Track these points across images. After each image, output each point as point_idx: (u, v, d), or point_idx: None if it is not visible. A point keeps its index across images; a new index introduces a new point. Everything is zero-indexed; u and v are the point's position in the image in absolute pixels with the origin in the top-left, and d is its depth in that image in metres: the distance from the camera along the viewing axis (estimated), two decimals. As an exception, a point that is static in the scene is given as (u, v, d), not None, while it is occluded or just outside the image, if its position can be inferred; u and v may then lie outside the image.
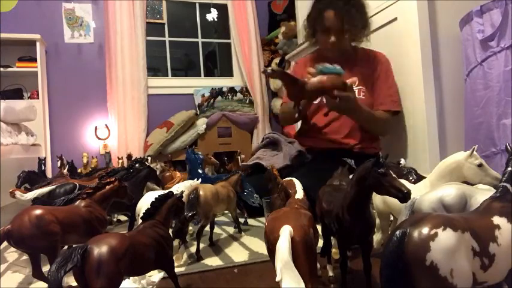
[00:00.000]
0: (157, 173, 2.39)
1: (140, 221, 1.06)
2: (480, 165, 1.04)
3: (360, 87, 2.01)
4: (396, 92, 2.03)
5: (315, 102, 2.03)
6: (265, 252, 0.81)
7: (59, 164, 2.40)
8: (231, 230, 1.86)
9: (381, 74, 2.01)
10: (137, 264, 0.89)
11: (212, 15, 4.23)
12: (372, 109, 1.99)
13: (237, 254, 1.45)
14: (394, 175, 0.86)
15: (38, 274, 1.11)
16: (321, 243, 1.04)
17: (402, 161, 1.40)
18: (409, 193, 0.82)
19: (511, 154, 0.81)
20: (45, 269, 1.06)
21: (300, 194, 1.00)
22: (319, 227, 0.97)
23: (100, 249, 0.80)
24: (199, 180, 1.67)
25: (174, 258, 1.10)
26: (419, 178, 1.26)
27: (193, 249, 1.49)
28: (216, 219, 1.74)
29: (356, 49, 2.09)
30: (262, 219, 2.06)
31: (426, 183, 1.13)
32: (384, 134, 2.12)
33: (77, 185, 1.69)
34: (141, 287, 1.00)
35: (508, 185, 0.77)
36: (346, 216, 0.92)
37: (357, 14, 1.88)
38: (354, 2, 1.89)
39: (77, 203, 1.23)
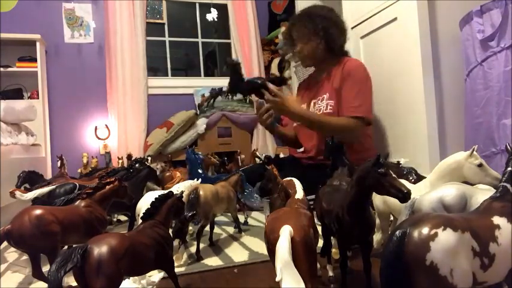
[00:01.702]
0: (157, 173, 2.39)
1: (140, 221, 1.06)
2: (480, 165, 1.04)
3: (328, 101, 2.00)
4: (358, 97, 1.89)
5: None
6: (265, 252, 0.81)
7: (59, 164, 2.40)
8: (231, 230, 1.86)
9: (344, 82, 1.94)
10: (137, 264, 0.89)
11: (212, 15, 4.22)
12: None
13: (237, 254, 1.46)
14: (394, 175, 0.86)
15: (38, 274, 1.11)
16: (321, 243, 1.04)
17: (402, 161, 1.40)
18: (409, 193, 0.82)
19: (511, 154, 0.81)
20: (45, 269, 1.06)
21: (300, 194, 1.00)
22: (319, 227, 0.97)
23: (100, 249, 0.80)
24: (199, 180, 1.67)
25: (174, 258, 1.10)
26: (419, 178, 1.27)
27: (193, 249, 1.49)
28: (216, 219, 1.74)
29: (338, 61, 2.04)
30: (262, 219, 2.06)
31: (426, 183, 1.13)
32: (345, 138, 1.68)
33: (77, 185, 1.69)
34: (141, 287, 1.00)
35: (508, 185, 0.77)
36: (346, 216, 0.92)
37: (311, 22, 2.01)
38: (311, 11, 2.06)
39: (77, 203, 1.22)
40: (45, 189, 1.61)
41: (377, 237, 1.30)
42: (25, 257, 1.43)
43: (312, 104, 2.11)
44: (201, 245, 1.47)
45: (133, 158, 2.52)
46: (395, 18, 2.12)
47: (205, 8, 4.37)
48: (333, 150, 1.38)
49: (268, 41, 4.32)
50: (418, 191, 1.05)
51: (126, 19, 3.84)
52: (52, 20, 3.75)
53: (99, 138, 3.79)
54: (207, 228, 1.58)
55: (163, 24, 4.26)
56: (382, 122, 2.26)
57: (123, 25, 3.83)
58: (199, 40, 4.45)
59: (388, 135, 2.21)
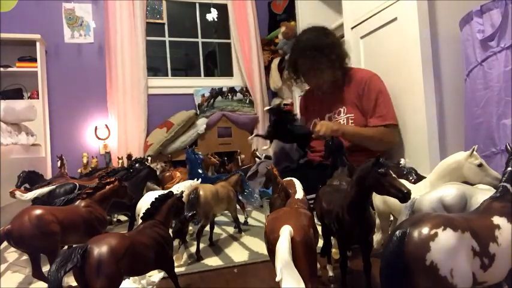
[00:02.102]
0: (158, 173, 2.39)
1: (140, 221, 1.06)
2: (480, 165, 1.04)
3: (348, 115, 2.06)
4: (382, 106, 1.99)
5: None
6: (265, 252, 0.81)
7: (59, 164, 2.40)
8: (231, 230, 1.86)
9: (364, 94, 2.02)
10: (137, 264, 0.89)
11: (212, 15, 4.22)
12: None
13: (237, 254, 1.45)
14: (394, 175, 0.86)
15: (38, 274, 1.11)
16: (321, 243, 1.04)
17: (402, 161, 1.40)
18: (409, 193, 0.82)
19: (511, 154, 0.81)
20: (45, 269, 1.06)
21: (300, 194, 1.00)
22: (319, 227, 0.97)
23: (100, 249, 0.80)
24: (199, 180, 1.67)
25: (174, 258, 1.10)
26: (419, 178, 1.26)
27: (193, 249, 1.49)
28: (216, 219, 1.74)
29: (345, 74, 2.12)
30: (262, 219, 2.06)
31: (426, 183, 1.13)
32: (384, 147, 2.04)
33: (77, 185, 1.69)
34: (141, 287, 1.00)
35: (508, 185, 0.77)
36: (346, 216, 0.92)
37: (324, 55, 2.01)
38: (319, 43, 2.03)
39: (77, 203, 1.22)
40: (45, 189, 1.61)
41: (377, 237, 1.30)
42: (25, 257, 1.43)
43: (326, 118, 2.13)
44: (201, 245, 1.47)
45: (133, 158, 2.53)
46: (395, 18, 2.12)
47: (205, 8, 4.37)
48: (332, 150, 1.38)
49: (268, 41, 4.31)
50: (418, 191, 1.05)
51: (126, 19, 3.84)
52: (52, 20, 3.75)
53: (99, 138, 3.79)
54: (207, 228, 1.58)
55: (163, 24, 4.26)
56: (382, 122, 2.26)
57: (123, 25, 3.83)
58: (199, 40, 4.45)
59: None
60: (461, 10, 1.83)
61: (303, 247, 0.72)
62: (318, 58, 2.01)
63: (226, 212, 1.76)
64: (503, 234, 0.70)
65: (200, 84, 4.19)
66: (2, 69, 3.39)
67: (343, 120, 2.06)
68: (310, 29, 2.17)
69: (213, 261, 1.38)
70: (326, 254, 1.12)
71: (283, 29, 3.83)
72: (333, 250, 1.15)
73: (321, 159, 2.04)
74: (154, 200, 1.07)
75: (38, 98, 3.47)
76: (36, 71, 3.47)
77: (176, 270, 1.05)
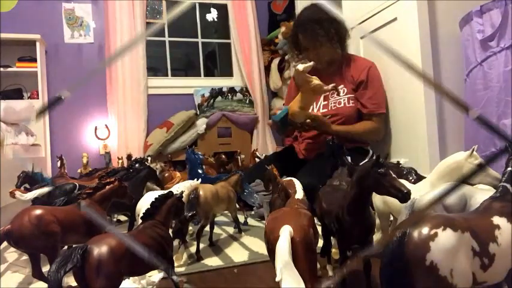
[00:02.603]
0: (157, 173, 2.39)
1: (140, 221, 1.06)
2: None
3: (349, 95, 2.15)
4: (378, 95, 2.11)
5: None
6: (265, 252, 0.81)
7: (59, 164, 2.39)
8: (231, 230, 1.86)
9: (366, 81, 2.12)
10: (137, 264, 0.89)
11: (212, 15, 4.22)
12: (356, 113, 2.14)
13: (237, 254, 1.45)
14: (394, 175, 0.86)
15: (38, 274, 1.11)
16: (320, 243, 1.04)
17: (402, 161, 1.40)
18: (409, 193, 0.82)
19: (511, 154, 0.81)
20: (45, 269, 1.06)
21: (300, 194, 1.00)
22: (319, 227, 0.97)
23: (100, 249, 0.80)
24: (199, 180, 1.67)
25: (174, 258, 1.10)
26: (419, 178, 1.26)
27: (193, 249, 1.48)
28: (216, 219, 1.74)
29: (346, 57, 2.24)
30: (263, 219, 2.06)
31: (426, 183, 1.13)
32: (373, 139, 2.19)
33: (77, 185, 1.69)
34: (141, 287, 1.00)
35: (508, 185, 0.77)
36: (346, 217, 0.92)
37: (323, 28, 2.10)
38: (319, 17, 2.11)
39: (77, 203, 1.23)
40: (45, 189, 1.61)
41: (377, 237, 1.30)
42: (25, 257, 1.43)
43: (322, 97, 2.21)
44: (201, 245, 1.47)
45: (133, 158, 2.52)
46: (395, 18, 2.12)
47: (205, 8, 4.37)
48: (333, 150, 1.38)
49: (268, 41, 4.31)
50: (418, 191, 1.05)
51: (126, 19, 3.84)
52: (52, 20, 3.75)
53: (99, 138, 3.79)
54: (207, 228, 1.58)
55: (163, 24, 4.26)
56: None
57: (123, 25, 3.83)
58: (199, 40, 4.45)
59: (388, 135, 2.21)
60: (461, 10, 1.83)
61: (303, 247, 0.72)
62: (317, 31, 2.10)
63: (226, 212, 1.76)
64: (503, 234, 0.70)
65: (200, 84, 4.18)
66: (2, 69, 3.39)
67: (344, 100, 2.14)
68: (310, 5, 2.27)
69: (213, 261, 1.38)
70: (326, 254, 1.12)
71: (283, 29, 3.83)
72: (333, 250, 1.15)
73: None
74: (154, 200, 1.07)
75: (38, 98, 3.47)
76: (36, 71, 3.47)
77: (176, 270, 1.05)
